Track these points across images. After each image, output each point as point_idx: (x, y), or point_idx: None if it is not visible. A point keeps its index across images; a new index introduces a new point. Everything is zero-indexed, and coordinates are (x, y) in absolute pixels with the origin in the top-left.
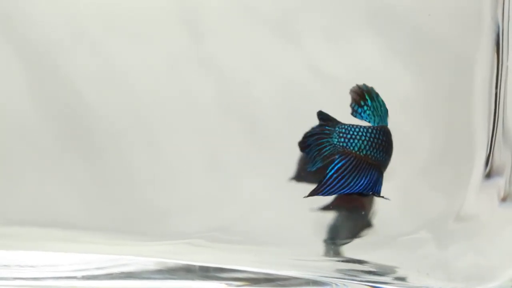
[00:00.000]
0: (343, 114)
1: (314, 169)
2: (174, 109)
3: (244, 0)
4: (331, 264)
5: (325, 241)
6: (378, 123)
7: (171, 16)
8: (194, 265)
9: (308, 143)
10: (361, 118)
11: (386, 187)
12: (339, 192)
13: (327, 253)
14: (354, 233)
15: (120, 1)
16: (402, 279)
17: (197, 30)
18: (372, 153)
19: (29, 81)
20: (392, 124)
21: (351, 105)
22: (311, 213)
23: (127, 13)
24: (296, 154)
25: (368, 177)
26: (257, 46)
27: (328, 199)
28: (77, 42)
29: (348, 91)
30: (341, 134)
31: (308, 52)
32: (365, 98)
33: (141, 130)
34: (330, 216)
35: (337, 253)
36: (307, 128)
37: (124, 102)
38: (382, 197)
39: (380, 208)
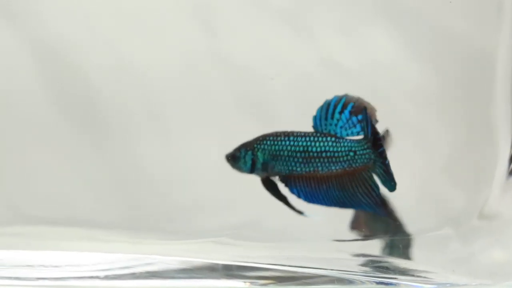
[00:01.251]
0: None
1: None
2: (191, 105)
3: None
4: (356, 262)
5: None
6: None
7: (185, 12)
8: (218, 264)
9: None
10: (357, 133)
11: (407, 183)
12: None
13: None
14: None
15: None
16: (427, 275)
17: (210, 25)
18: None
19: (43, 78)
20: (411, 120)
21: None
22: (336, 211)
23: (141, 9)
24: None
25: None
26: (271, 40)
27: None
28: (91, 38)
29: (361, 84)
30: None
31: (322, 45)
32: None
33: (160, 127)
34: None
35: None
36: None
37: (141, 100)
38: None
39: (403, 205)
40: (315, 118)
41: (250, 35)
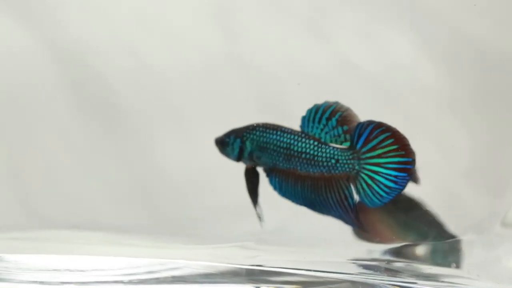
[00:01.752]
0: (380, 112)
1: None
2: (213, 108)
3: (278, 0)
4: (381, 266)
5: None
6: None
7: (204, 15)
8: (242, 268)
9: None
10: (341, 143)
11: (429, 189)
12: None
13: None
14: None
15: (157, 4)
16: (451, 280)
17: (230, 28)
18: None
19: (64, 82)
20: (431, 124)
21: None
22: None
23: (161, 11)
24: None
25: None
26: (290, 43)
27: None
28: (110, 40)
29: (380, 87)
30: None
31: (341, 48)
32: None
33: (182, 130)
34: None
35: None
36: None
37: (163, 103)
38: None
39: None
40: (303, 118)
41: (270, 39)
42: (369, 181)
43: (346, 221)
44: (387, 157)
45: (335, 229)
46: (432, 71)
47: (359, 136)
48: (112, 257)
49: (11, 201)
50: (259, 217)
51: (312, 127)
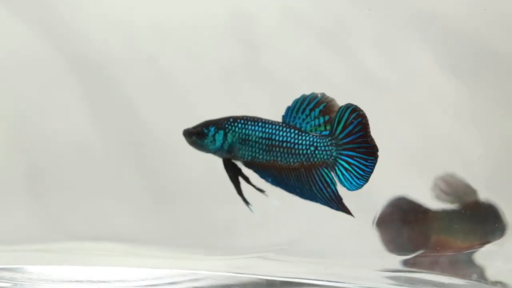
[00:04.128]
0: (396, 122)
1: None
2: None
3: (296, 13)
4: (401, 277)
5: None
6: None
7: (225, 29)
8: (263, 279)
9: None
10: (320, 133)
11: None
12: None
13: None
14: None
15: (175, 15)
16: None
17: (249, 39)
18: None
19: (83, 95)
20: (448, 135)
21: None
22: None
23: (181, 27)
24: None
25: None
26: (309, 55)
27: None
28: (131, 56)
29: (401, 99)
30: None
31: (360, 60)
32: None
33: None
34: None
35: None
36: None
37: (180, 115)
38: None
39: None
40: (288, 108)
41: (289, 49)
42: (347, 166)
43: (333, 208)
44: (360, 143)
45: (356, 239)
46: (450, 82)
47: (339, 122)
48: (133, 268)
49: (33, 213)
50: (246, 202)
51: (295, 117)
